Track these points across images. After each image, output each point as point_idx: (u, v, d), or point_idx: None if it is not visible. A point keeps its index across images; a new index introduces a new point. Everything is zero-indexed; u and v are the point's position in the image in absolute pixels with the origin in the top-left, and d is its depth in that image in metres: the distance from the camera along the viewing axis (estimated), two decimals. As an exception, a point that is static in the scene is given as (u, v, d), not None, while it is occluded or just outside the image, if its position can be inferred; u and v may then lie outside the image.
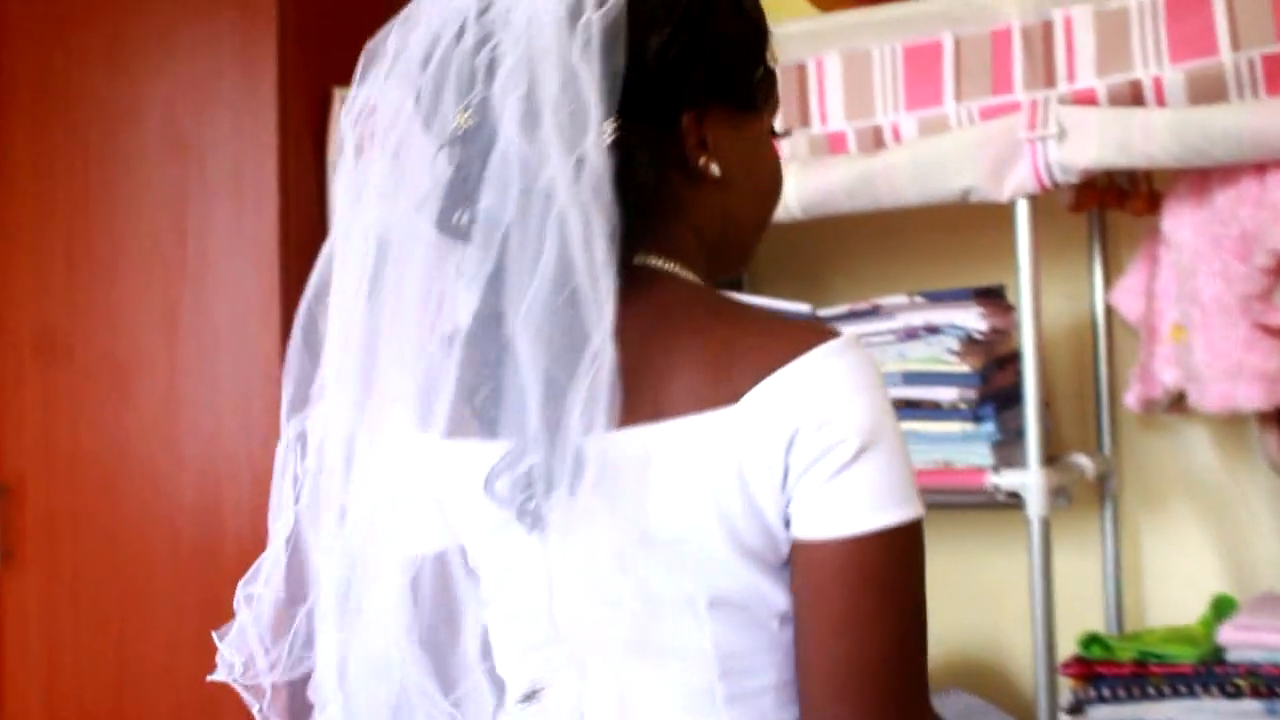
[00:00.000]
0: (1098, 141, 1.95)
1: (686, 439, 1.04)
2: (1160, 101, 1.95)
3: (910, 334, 2.18)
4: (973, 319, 2.15)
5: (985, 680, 2.49)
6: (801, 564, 1.03)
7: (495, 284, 1.04)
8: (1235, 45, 1.90)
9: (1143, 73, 1.96)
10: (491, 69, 1.05)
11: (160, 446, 2.60)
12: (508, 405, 1.02)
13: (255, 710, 1.15)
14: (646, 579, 1.05)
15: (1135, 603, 2.43)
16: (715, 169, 1.12)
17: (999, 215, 2.12)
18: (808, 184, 2.15)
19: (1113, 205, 2.28)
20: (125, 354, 2.62)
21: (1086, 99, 1.99)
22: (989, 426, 2.12)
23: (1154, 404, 2.23)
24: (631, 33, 1.05)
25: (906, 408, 2.16)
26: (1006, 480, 2.07)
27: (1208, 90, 1.92)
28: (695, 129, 1.12)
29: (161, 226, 2.59)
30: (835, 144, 2.17)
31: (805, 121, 2.19)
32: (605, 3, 1.04)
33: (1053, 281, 2.30)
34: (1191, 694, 2.06)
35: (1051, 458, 2.22)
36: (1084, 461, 2.28)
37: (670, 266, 1.11)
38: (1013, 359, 2.19)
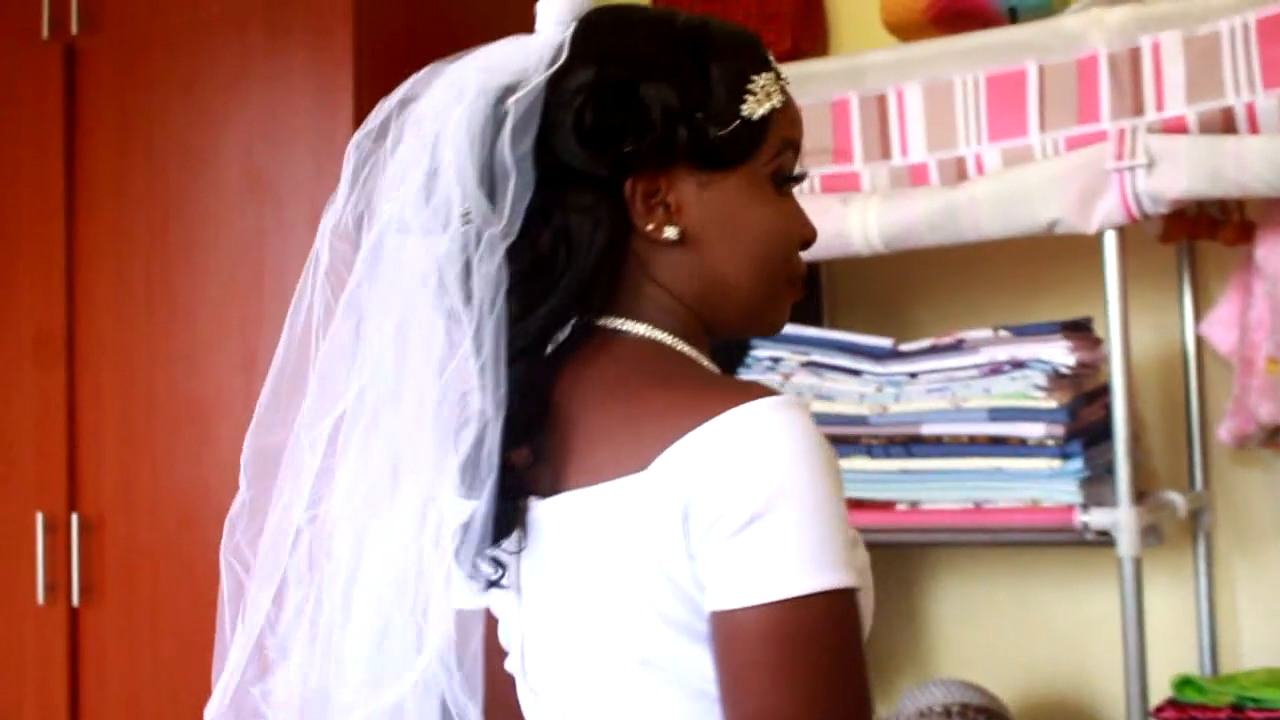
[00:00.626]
0: (1188, 171, 1.91)
1: (606, 505, 1.06)
2: (1253, 129, 1.90)
3: (995, 369, 2.13)
4: (1059, 353, 2.10)
5: (1075, 723, 2.44)
6: (710, 633, 1.03)
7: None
8: (1331, 70, 1.85)
9: (1234, 99, 1.91)
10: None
11: (237, 484, 2.58)
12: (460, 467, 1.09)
13: None
14: (588, 640, 1.09)
15: (1230, 644, 2.36)
16: (670, 232, 1.14)
17: (1085, 245, 2.07)
18: (889, 217, 2.12)
19: (1203, 235, 2.23)
20: (204, 394, 2.62)
21: (1176, 127, 1.95)
22: (1077, 463, 2.06)
23: (1248, 438, 2.17)
24: (556, 110, 1.11)
25: (991, 445, 2.11)
26: (1096, 519, 2.01)
27: (1303, 117, 1.87)
28: (642, 194, 1.13)
29: (239, 268, 2.59)
30: (917, 176, 2.14)
31: (886, 153, 2.16)
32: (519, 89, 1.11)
33: (1141, 312, 2.25)
34: (1292, 739, 1.99)
35: (1142, 494, 2.17)
36: (1175, 498, 2.21)
37: (637, 328, 1.14)
38: (1101, 393, 2.14)
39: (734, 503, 1.00)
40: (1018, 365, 2.12)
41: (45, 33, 2.76)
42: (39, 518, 2.70)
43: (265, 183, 2.57)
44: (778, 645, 0.99)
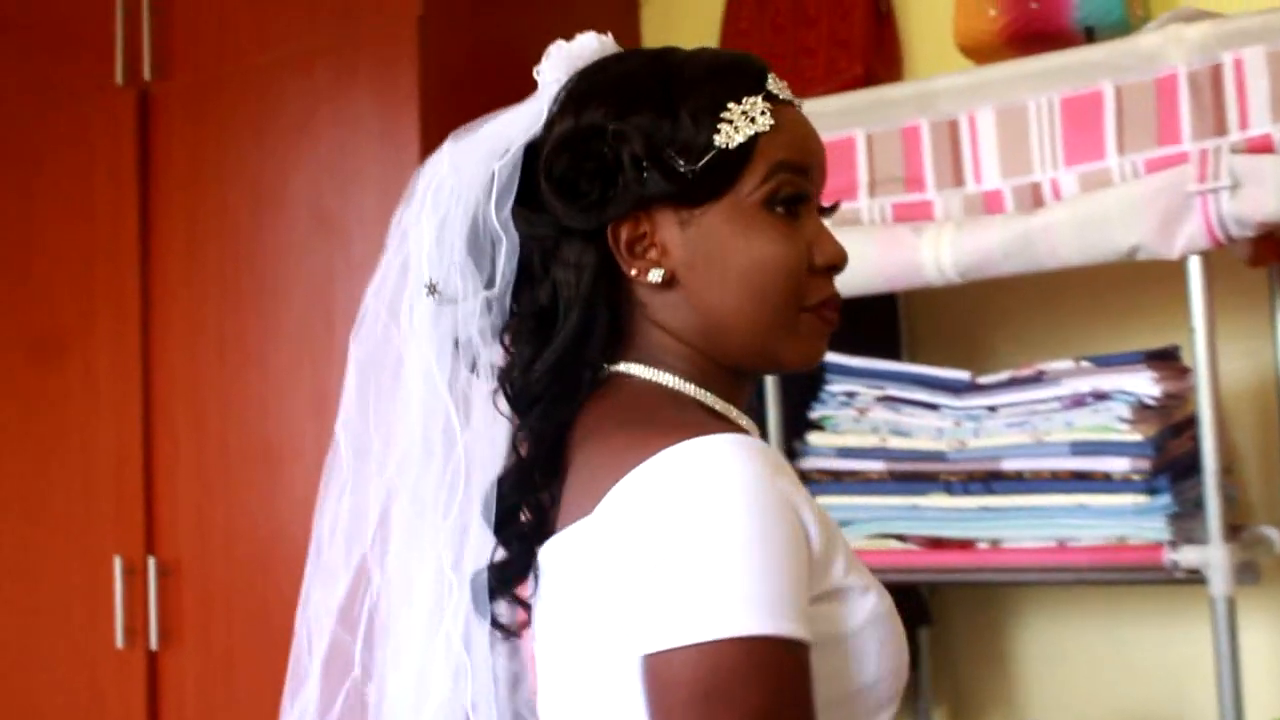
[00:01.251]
0: (1275, 192, 1.82)
1: (566, 549, 1.09)
2: (1344, 146, 1.82)
3: (1077, 401, 2.05)
4: (1144, 384, 2.01)
5: (1171, 767, 2.34)
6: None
7: None
8: None
9: (1323, 116, 1.83)
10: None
11: (310, 528, 2.57)
12: None
13: None
14: (565, 683, 1.11)
15: (1334, 684, 2.25)
16: (655, 275, 1.14)
17: (1170, 271, 1.99)
18: (963, 246, 2.05)
19: (1295, 258, 2.13)
20: (276, 437, 2.62)
21: (1261, 146, 1.86)
22: (1164, 498, 1.98)
23: (1348, 469, 2.07)
24: (536, 162, 1.15)
25: (1075, 480, 2.03)
26: (1186, 557, 1.93)
27: (1397, 132, 1.78)
28: (626, 240, 1.14)
29: (310, 310, 2.58)
30: (991, 203, 2.07)
31: (959, 181, 2.09)
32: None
33: (1232, 339, 2.16)
34: (1400, 787, 1.89)
35: (1235, 529, 2.08)
36: (1272, 533, 2.12)
37: (641, 372, 1.15)
38: (1189, 425, 2.05)
39: (652, 542, 0.99)
40: (1100, 397, 2.04)
41: (119, 78, 2.78)
42: (117, 562, 2.71)
43: (333, 224, 2.56)
44: (686, 692, 0.95)
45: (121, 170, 2.78)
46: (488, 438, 1.17)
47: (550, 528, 1.13)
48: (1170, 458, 2.03)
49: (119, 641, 2.70)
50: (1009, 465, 2.08)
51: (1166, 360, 2.08)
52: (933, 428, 2.16)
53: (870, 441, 2.19)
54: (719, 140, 1.12)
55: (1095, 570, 2.03)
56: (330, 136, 2.58)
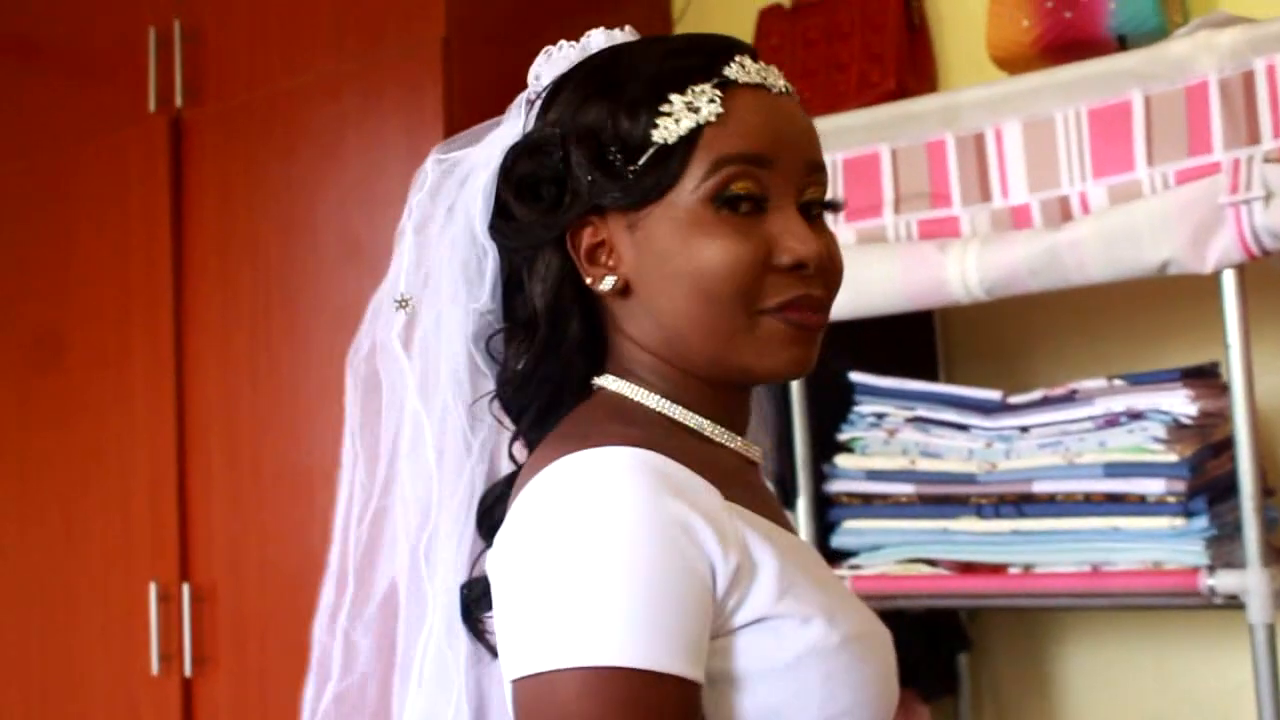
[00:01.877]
0: (1310, 202, 1.76)
1: (489, 566, 1.05)
2: (1382, 153, 1.75)
3: (1111, 421, 1.98)
4: (1180, 402, 1.94)
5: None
6: None
7: None
8: None
9: (1360, 122, 1.76)
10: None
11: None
12: None
13: None
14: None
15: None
16: (607, 283, 1.08)
17: (1209, 285, 1.92)
18: (989, 262, 1.99)
19: (1337, 269, 2.06)
20: (308, 463, 2.60)
21: (1296, 155, 1.80)
22: (1201, 521, 1.91)
23: (1395, 489, 1.99)
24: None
25: (1108, 502, 1.96)
26: (1223, 582, 1.85)
27: None
28: (585, 248, 1.09)
29: (339, 335, 2.53)
30: (1019, 218, 2.01)
31: (986, 195, 2.04)
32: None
33: (1272, 354, 2.09)
34: None
35: (1279, 551, 2.01)
36: (1318, 556, 2.04)
37: (614, 384, 1.10)
38: (1229, 445, 1.98)
39: (518, 563, 0.97)
40: (1135, 416, 1.97)
41: (152, 105, 2.80)
42: (152, 588, 2.71)
43: (361, 248, 2.55)
44: (543, 713, 0.92)
45: (155, 196, 2.79)
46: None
47: None
48: (1208, 479, 1.96)
49: (154, 668, 2.70)
50: (1041, 488, 2.02)
51: (1204, 377, 2.01)
52: (963, 449, 2.11)
53: (899, 464, 2.14)
54: (657, 136, 1.06)
55: (1130, 596, 1.97)
56: (358, 160, 2.57)
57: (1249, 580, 1.83)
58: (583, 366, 1.12)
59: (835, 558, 2.16)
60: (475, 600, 1.12)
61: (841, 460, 2.19)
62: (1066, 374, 2.20)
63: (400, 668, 1.17)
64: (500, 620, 0.99)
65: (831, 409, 2.24)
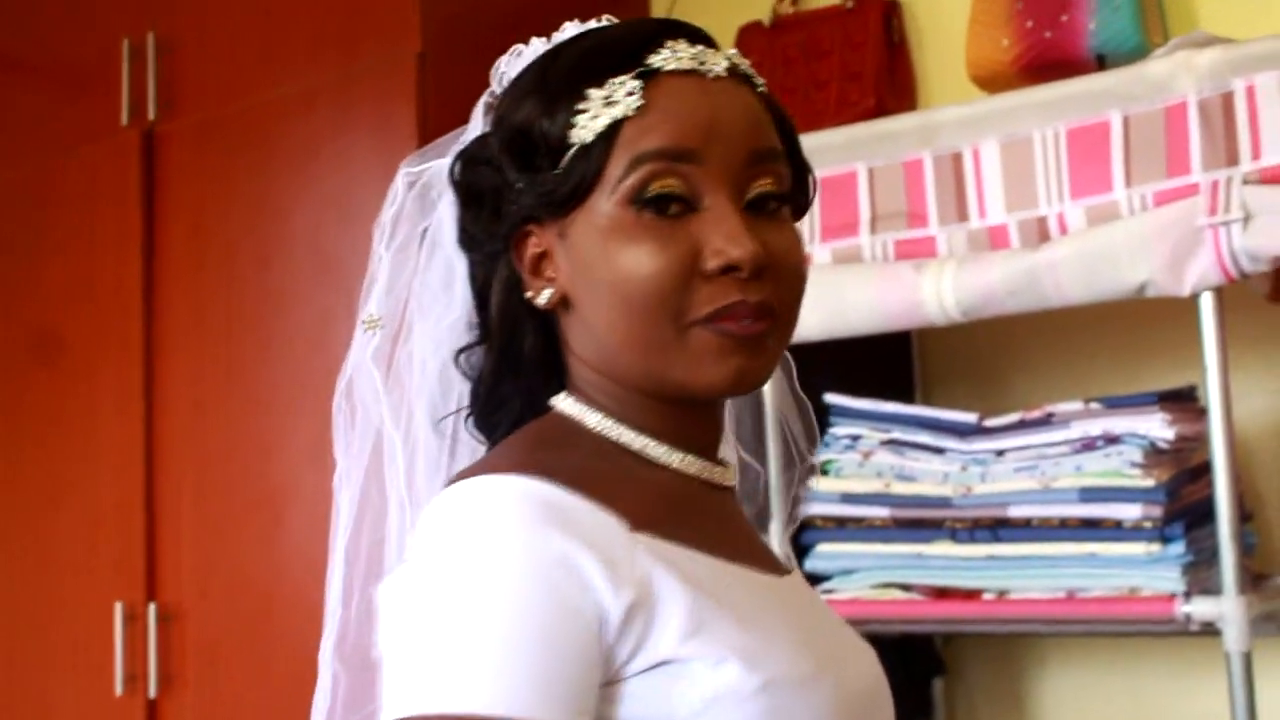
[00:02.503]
0: (1290, 225, 1.73)
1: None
2: (1363, 175, 1.73)
3: (1087, 445, 1.96)
4: (1157, 426, 1.92)
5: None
6: None
7: None
8: None
9: (1340, 144, 1.74)
10: None
11: (311, 575, 2.50)
12: None
13: None
14: None
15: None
16: (544, 295, 1.02)
17: (1185, 307, 1.90)
18: (965, 283, 1.97)
19: (1316, 293, 2.03)
20: (278, 483, 2.57)
21: (1275, 177, 1.77)
22: (1178, 547, 1.88)
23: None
24: None
25: (1084, 528, 1.94)
26: (1200, 609, 1.83)
27: None
28: (528, 260, 1.03)
29: (311, 352, 2.54)
30: (996, 238, 1.99)
31: (963, 215, 2.01)
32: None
33: (1252, 378, 2.07)
34: None
35: (1259, 577, 1.98)
36: (1296, 583, 2.02)
37: (561, 403, 1.04)
38: (1206, 469, 1.95)
39: (386, 599, 0.93)
40: (1112, 440, 1.94)
41: (125, 118, 2.77)
42: (118, 608, 2.67)
43: (334, 264, 2.52)
44: None
45: (127, 211, 2.76)
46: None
47: None
48: (1185, 504, 1.93)
49: (118, 688, 2.66)
50: (1016, 512, 1.99)
51: (1181, 401, 1.99)
52: (938, 472, 2.08)
53: (874, 487, 2.11)
54: (574, 135, 0.98)
55: (1106, 622, 1.94)
56: (332, 175, 2.54)
57: (1225, 607, 1.80)
58: (543, 384, 1.06)
59: (808, 582, 2.12)
60: None
61: (816, 483, 2.16)
62: (1043, 396, 2.17)
63: None
64: (382, 657, 0.93)
65: (808, 431, 2.21)
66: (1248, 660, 1.79)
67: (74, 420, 2.80)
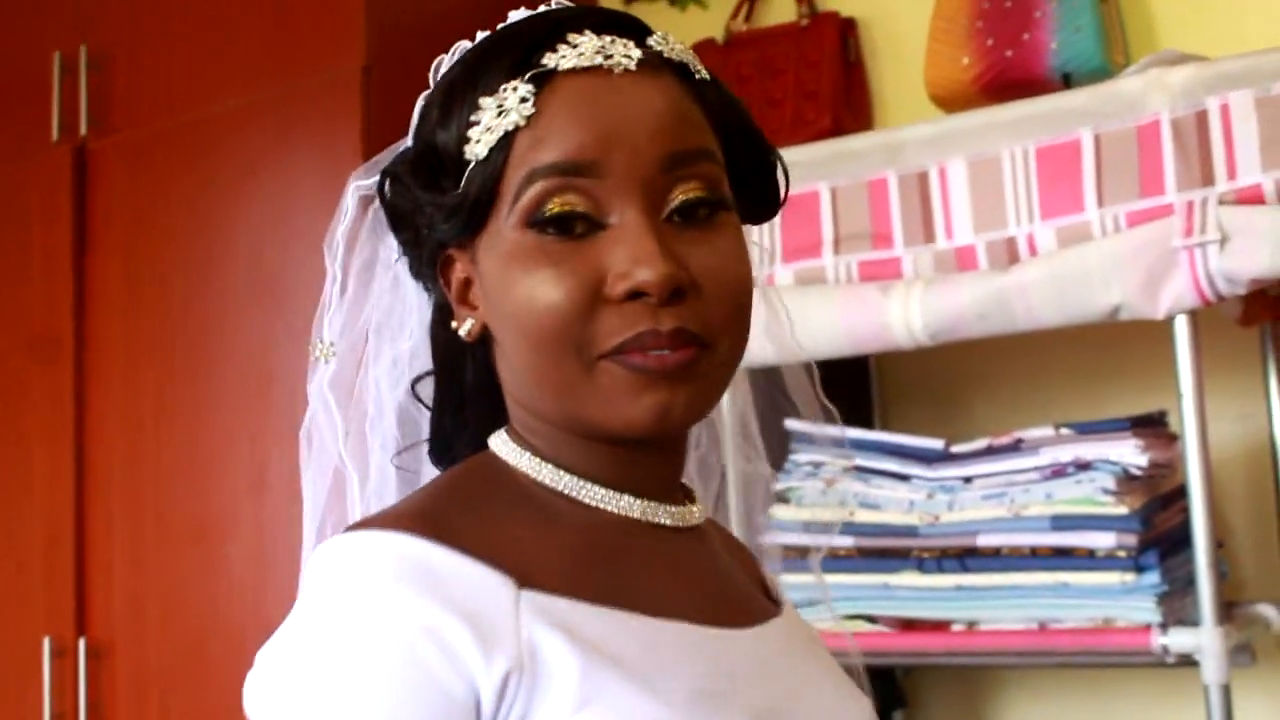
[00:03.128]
0: (1270, 245, 1.69)
1: None
2: (1341, 196, 1.69)
3: (1058, 472, 1.91)
4: (1129, 452, 1.87)
5: None
6: None
7: None
8: None
9: (1318, 164, 1.70)
10: None
11: (248, 610, 2.43)
12: None
13: None
14: None
15: (1338, 772, 2.10)
16: (466, 326, 0.94)
17: (1158, 329, 1.85)
18: (933, 306, 1.91)
19: (1288, 316, 2.00)
20: (213, 512, 2.48)
21: (1252, 198, 1.73)
22: (1153, 576, 1.83)
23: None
24: None
25: (1056, 557, 1.88)
26: (1177, 641, 1.78)
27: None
28: (455, 286, 0.95)
29: (248, 380, 2.45)
30: (963, 260, 1.93)
31: (929, 236, 1.96)
32: None
33: (1222, 402, 2.03)
34: None
35: (1230, 605, 1.94)
36: (1269, 611, 1.97)
37: (497, 442, 0.95)
38: (1178, 496, 1.91)
39: (257, 672, 0.85)
40: (1083, 467, 1.89)
41: (55, 134, 2.67)
42: (46, 642, 2.57)
43: (274, 287, 2.43)
44: None
45: (57, 230, 2.67)
46: None
47: None
48: (1158, 532, 1.89)
49: (46, 728, 2.55)
50: (985, 541, 1.93)
51: (1153, 426, 1.94)
52: (904, 500, 2.02)
53: (838, 515, 2.05)
54: (468, 151, 0.89)
55: (1079, 654, 1.88)
56: (272, 195, 2.46)
57: (1204, 639, 1.75)
58: (491, 417, 0.97)
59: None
60: None
61: (778, 511, 2.09)
62: (1005, 420, 2.13)
63: None
64: None
65: (774, 459, 2.15)
66: (1226, 693, 1.75)
67: (2, 447, 2.70)
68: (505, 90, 0.88)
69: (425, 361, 1.02)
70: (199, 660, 2.47)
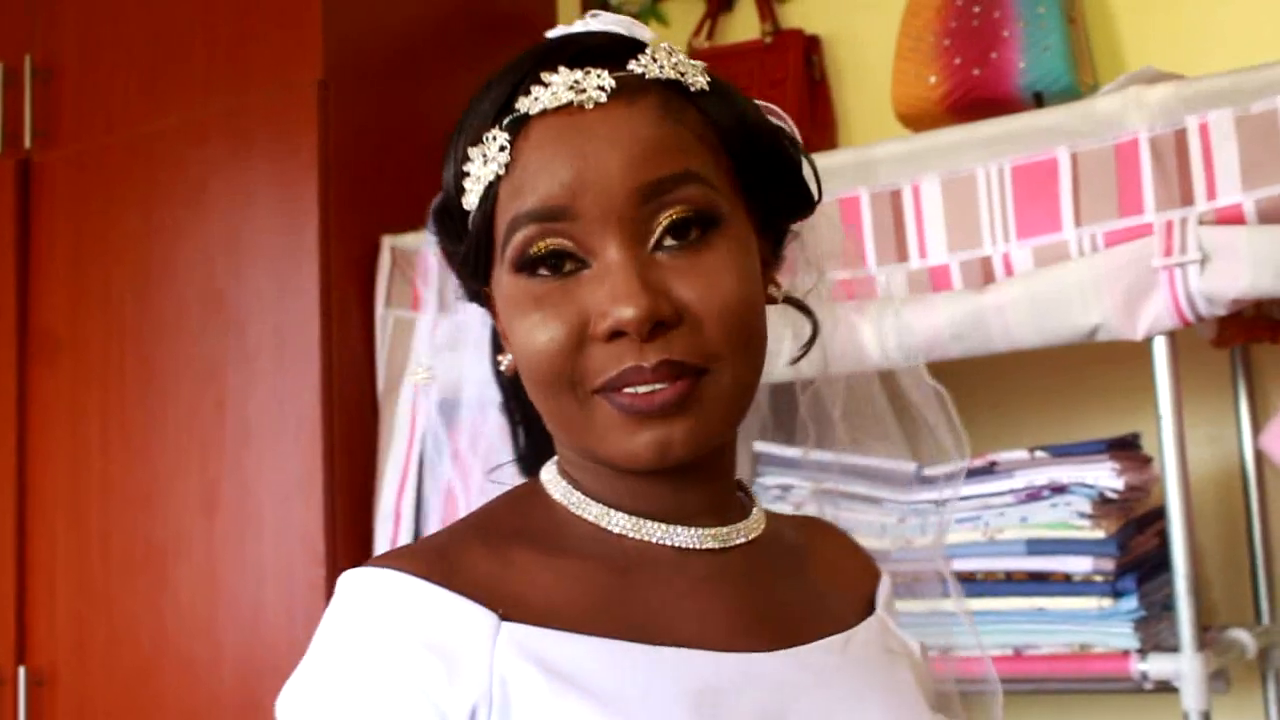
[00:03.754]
0: (1250, 266, 1.67)
1: None
2: (1322, 216, 1.67)
3: (1033, 495, 1.88)
4: (1106, 475, 1.84)
5: None
6: None
7: None
8: None
9: (1299, 184, 1.68)
10: None
11: (198, 635, 2.36)
12: None
13: None
14: None
15: (1311, 799, 2.08)
16: (504, 362, 0.97)
17: (1130, 351, 1.83)
18: (909, 326, 1.88)
19: (1263, 338, 1.98)
20: (162, 537, 2.40)
21: (1232, 217, 1.71)
22: (1130, 601, 1.80)
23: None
24: None
25: (1031, 582, 1.85)
26: (1156, 667, 1.75)
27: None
28: (497, 321, 0.97)
29: (199, 398, 2.38)
30: (937, 280, 1.91)
31: (903, 255, 1.93)
32: None
33: (1193, 424, 2.00)
34: None
35: (1204, 630, 1.91)
36: (1243, 636, 1.95)
37: (547, 472, 0.98)
38: (1154, 519, 1.89)
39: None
40: (1058, 490, 1.86)
41: (-1, 146, 2.60)
42: (-15, 672, 2.48)
43: (226, 306, 2.37)
44: None
45: (0, 245, 2.58)
46: None
47: None
48: (1135, 556, 1.86)
49: (-16, 761, 2.46)
50: (959, 566, 1.90)
51: (1128, 449, 1.92)
52: (876, 524, 1.98)
53: (808, 539, 2.01)
54: (465, 201, 0.92)
55: (1056, 680, 1.85)
56: (224, 209, 2.39)
57: (1183, 665, 1.73)
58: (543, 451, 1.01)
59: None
60: None
61: (746, 535, 2.05)
62: (979, 442, 2.09)
63: None
64: None
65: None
66: (1206, 719, 1.72)
67: (-61, 469, 2.61)
68: (487, 139, 0.90)
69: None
70: (146, 689, 2.40)
